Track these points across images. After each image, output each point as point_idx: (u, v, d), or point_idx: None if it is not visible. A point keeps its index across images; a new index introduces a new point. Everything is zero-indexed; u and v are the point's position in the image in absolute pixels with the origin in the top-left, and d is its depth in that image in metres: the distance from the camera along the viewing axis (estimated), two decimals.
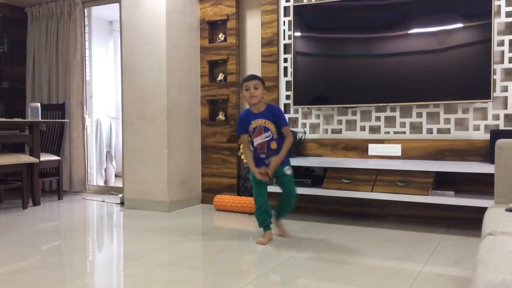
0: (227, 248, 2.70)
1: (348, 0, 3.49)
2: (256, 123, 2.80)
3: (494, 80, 3.10)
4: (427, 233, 3.01)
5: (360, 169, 3.23)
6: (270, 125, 2.78)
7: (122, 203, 4.15)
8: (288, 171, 2.85)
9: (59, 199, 4.52)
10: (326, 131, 3.71)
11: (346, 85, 3.52)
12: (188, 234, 3.04)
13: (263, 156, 2.81)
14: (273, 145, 2.79)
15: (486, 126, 3.19)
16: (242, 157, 3.92)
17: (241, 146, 3.91)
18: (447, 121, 3.30)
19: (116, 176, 5.89)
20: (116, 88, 6.05)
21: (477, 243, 1.57)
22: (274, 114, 2.79)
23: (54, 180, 4.82)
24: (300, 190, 3.38)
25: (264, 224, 2.83)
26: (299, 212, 3.66)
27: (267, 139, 2.78)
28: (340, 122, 3.66)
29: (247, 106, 4.07)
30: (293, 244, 2.77)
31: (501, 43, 3.11)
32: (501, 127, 3.13)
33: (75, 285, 2.08)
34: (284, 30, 3.82)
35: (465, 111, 3.24)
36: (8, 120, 4.04)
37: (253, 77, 2.81)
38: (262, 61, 3.89)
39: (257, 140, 2.81)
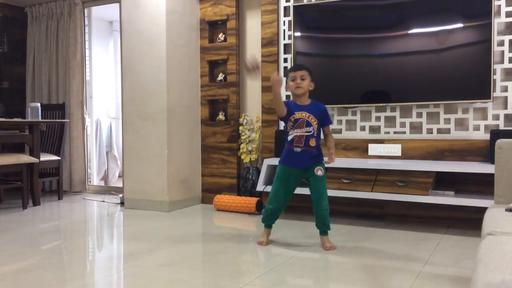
0: (227, 248, 2.70)
1: (348, 0, 3.49)
2: (299, 115, 2.60)
3: (494, 80, 3.10)
4: (427, 233, 3.01)
5: (360, 169, 3.23)
6: (313, 121, 2.61)
7: (122, 203, 4.15)
8: (319, 171, 2.64)
9: (59, 199, 4.52)
10: None
11: (346, 85, 3.52)
12: (188, 234, 3.04)
13: (298, 150, 2.61)
14: (312, 142, 2.61)
15: (486, 126, 3.19)
16: (242, 157, 3.93)
17: (241, 146, 3.92)
18: (447, 121, 3.30)
19: (119, 176, 5.89)
20: (116, 88, 6.04)
21: (477, 243, 1.57)
22: (321, 110, 2.65)
23: (54, 180, 4.82)
24: (300, 190, 3.38)
25: (267, 222, 2.79)
26: (299, 212, 3.66)
27: (308, 134, 2.60)
28: (340, 122, 3.66)
29: (248, 105, 4.11)
30: (293, 244, 2.77)
31: (501, 43, 3.11)
32: (501, 127, 3.13)
33: (75, 285, 2.08)
34: (284, 30, 3.82)
35: (465, 111, 3.24)
36: (8, 120, 4.04)
37: (300, 67, 2.66)
38: (262, 61, 3.89)
39: (296, 132, 2.61)
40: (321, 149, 2.70)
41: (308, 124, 2.61)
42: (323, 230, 2.70)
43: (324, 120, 2.68)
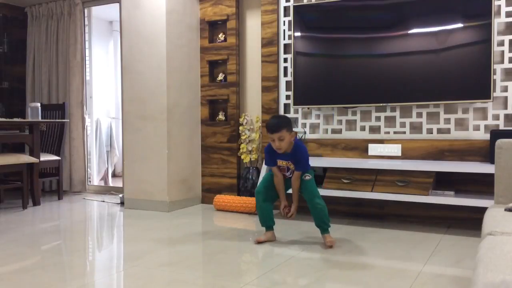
0: (227, 248, 2.70)
1: (348, 0, 3.49)
2: (281, 162, 2.80)
3: (494, 80, 3.10)
4: (427, 233, 3.01)
5: (360, 169, 3.23)
6: (292, 167, 2.80)
7: (122, 203, 4.15)
8: (306, 177, 2.78)
9: (59, 199, 4.52)
10: (326, 131, 3.71)
11: (346, 85, 3.52)
12: (188, 234, 3.04)
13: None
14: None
15: (486, 126, 3.19)
16: (242, 157, 3.93)
17: (241, 146, 3.93)
18: (447, 121, 3.30)
19: (114, 175, 5.89)
20: (116, 88, 6.05)
21: (477, 243, 1.57)
22: (296, 158, 2.76)
23: (54, 180, 4.82)
24: None
25: (266, 224, 2.84)
26: (299, 212, 3.65)
27: (289, 176, 2.84)
28: (340, 122, 3.66)
29: (248, 105, 4.11)
30: (293, 244, 2.77)
31: (501, 43, 3.11)
32: (501, 127, 3.13)
33: (75, 285, 2.08)
34: (284, 30, 3.82)
35: (465, 111, 3.24)
36: (8, 120, 4.04)
37: (276, 129, 2.64)
38: (262, 61, 3.89)
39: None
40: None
41: (288, 170, 2.83)
42: (322, 227, 2.73)
43: (296, 165, 2.78)
